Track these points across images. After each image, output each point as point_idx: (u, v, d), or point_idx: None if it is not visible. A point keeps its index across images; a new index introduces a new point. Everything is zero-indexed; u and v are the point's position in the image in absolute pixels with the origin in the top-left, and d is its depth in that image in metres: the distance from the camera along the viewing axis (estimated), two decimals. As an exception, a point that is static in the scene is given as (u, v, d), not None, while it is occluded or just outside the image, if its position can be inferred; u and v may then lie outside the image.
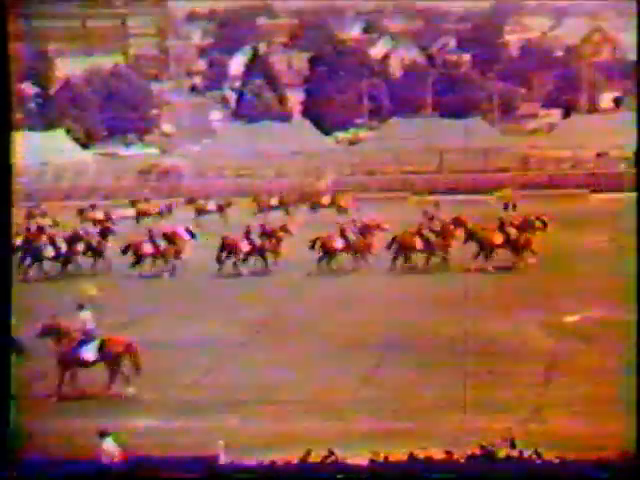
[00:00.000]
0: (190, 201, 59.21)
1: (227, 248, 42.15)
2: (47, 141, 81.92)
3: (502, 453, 13.92)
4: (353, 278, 40.80)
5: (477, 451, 13.97)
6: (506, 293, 36.62)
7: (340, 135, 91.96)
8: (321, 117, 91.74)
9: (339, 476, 13.71)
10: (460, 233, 42.00)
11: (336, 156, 76.38)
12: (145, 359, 26.31)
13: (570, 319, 32.22)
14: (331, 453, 14.05)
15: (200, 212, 56.92)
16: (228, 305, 36.04)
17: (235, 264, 42.08)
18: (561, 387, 25.38)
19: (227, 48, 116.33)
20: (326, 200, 59.33)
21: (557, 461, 13.55)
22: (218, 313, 34.56)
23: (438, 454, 14.26)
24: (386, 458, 14.05)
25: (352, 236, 42.49)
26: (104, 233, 46.01)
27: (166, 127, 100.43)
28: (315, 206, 59.14)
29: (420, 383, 25.97)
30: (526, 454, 13.77)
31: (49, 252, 43.41)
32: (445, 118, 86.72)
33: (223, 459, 19.63)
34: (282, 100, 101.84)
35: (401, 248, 41.33)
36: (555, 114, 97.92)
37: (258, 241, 42.58)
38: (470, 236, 41.26)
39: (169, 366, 28.14)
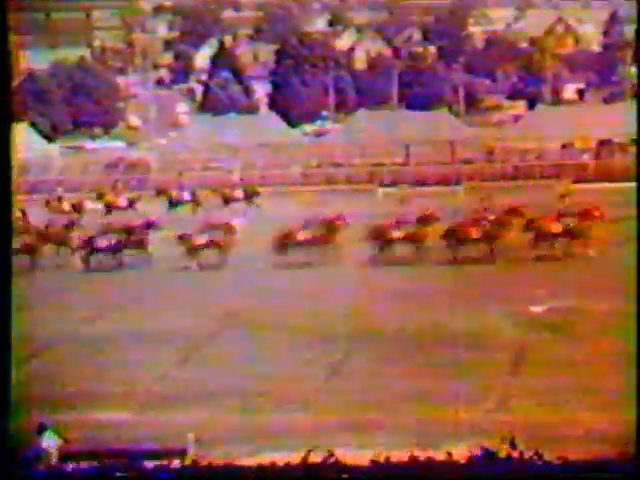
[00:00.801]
0: (160, 192, 59.01)
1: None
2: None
3: (502, 453, 14.08)
4: (322, 270, 40.84)
5: (477, 451, 14.14)
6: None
7: (307, 127, 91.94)
8: (287, 109, 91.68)
9: (339, 476, 13.82)
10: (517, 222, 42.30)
11: (303, 148, 76.34)
12: (114, 352, 26.37)
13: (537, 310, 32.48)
14: (331, 453, 14.17)
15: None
16: (196, 298, 36.07)
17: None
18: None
19: (193, 41, 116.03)
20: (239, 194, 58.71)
21: (557, 461, 13.73)
22: (186, 306, 34.59)
23: (438, 454, 14.41)
24: (386, 458, 14.20)
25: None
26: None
27: (132, 120, 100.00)
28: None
29: (388, 374, 26.11)
30: (527, 454, 13.96)
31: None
32: (411, 110, 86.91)
33: (192, 452, 19.73)
34: (248, 93, 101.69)
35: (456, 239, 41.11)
36: (520, 106, 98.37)
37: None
38: (528, 226, 41.52)
39: (138, 359, 28.15)
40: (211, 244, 42.19)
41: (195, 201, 56.86)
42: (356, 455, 15.10)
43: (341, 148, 74.71)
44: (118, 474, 14.20)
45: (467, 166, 68.49)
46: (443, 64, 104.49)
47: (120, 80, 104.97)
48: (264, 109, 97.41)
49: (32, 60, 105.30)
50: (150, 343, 29.64)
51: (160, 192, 58.97)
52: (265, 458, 20.25)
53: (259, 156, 72.23)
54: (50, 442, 18.98)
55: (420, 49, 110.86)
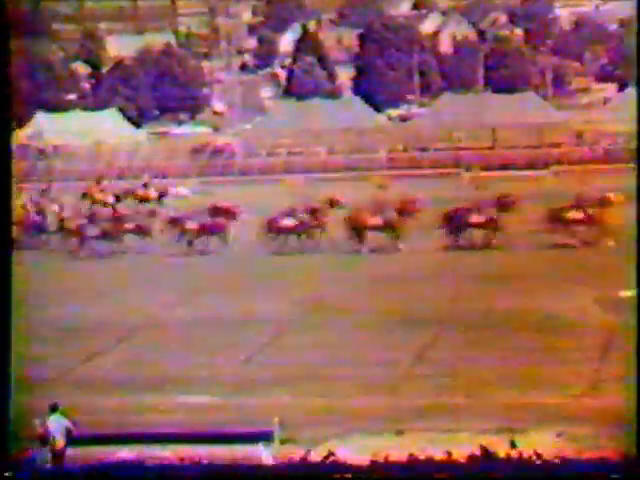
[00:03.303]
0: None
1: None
2: (99, 121, 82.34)
3: (502, 453, 13.85)
4: (403, 255, 40.54)
5: (478, 451, 13.92)
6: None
7: (391, 112, 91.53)
8: (372, 94, 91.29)
9: (339, 476, 13.66)
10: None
11: (387, 133, 76.03)
12: (198, 336, 26.39)
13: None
14: (331, 453, 14.02)
15: None
16: (277, 283, 36.05)
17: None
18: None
19: (277, 26, 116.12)
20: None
21: (557, 461, 13.49)
22: (268, 290, 34.60)
23: (438, 454, 14.19)
24: (386, 458, 13.99)
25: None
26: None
27: (217, 105, 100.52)
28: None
29: (474, 359, 25.80)
30: (526, 454, 13.70)
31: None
32: (497, 93, 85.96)
33: (277, 436, 19.67)
34: (332, 77, 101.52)
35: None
36: (609, 88, 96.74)
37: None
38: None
39: (221, 343, 28.19)
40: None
41: None
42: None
43: (426, 132, 74.25)
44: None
45: (555, 150, 67.58)
46: (530, 47, 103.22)
47: (205, 65, 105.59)
48: (348, 94, 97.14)
49: (119, 47, 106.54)
50: (232, 328, 29.67)
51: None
52: (349, 441, 20.28)
53: (343, 141, 72.11)
54: (58, 424, 18.76)
55: (506, 32, 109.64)
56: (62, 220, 45.14)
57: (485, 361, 25.46)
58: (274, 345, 28.29)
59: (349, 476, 13.63)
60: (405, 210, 42.73)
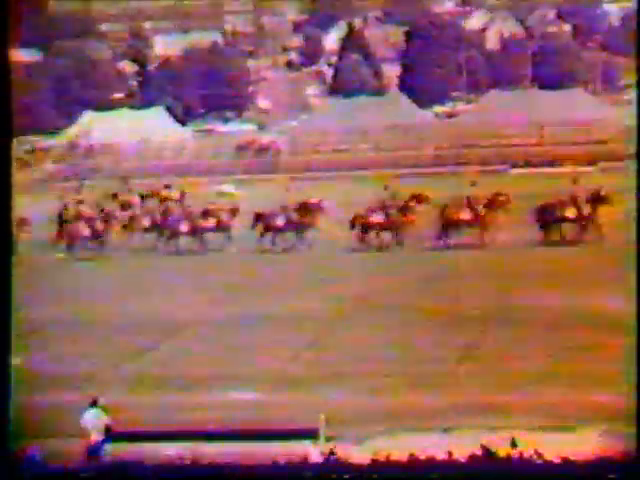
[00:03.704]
0: None
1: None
2: (146, 119, 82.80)
3: (502, 453, 13.75)
4: (447, 252, 40.37)
5: (479, 451, 13.82)
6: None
7: (437, 108, 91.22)
8: (418, 91, 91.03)
9: (339, 476, 13.60)
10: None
11: (434, 129, 75.78)
12: (246, 334, 26.38)
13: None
14: (332, 453, 13.95)
15: None
16: (324, 280, 36.01)
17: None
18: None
19: (322, 23, 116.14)
20: None
21: (557, 461, 13.38)
22: (315, 288, 34.57)
23: (438, 454, 14.09)
24: (387, 458, 13.92)
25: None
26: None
27: (263, 103, 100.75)
28: None
29: (521, 356, 25.63)
30: (526, 454, 13.59)
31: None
32: (545, 90, 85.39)
33: (323, 433, 19.64)
34: (378, 74, 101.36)
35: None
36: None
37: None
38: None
39: (267, 341, 28.20)
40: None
41: None
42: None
43: (473, 129, 73.91)
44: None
45: (603, 146, 67.01)
46: (578, 43, 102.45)
47: (250, 64, 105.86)
48: (394, 91, 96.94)
49: (166, 46, 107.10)
50: (279, 325, 29.67)
51: None
52: (395, 438, 20.21)
53: (389, 138, 71.96)
54: (96, 419, 18.66)
55: (554, 28, 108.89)
56: (133, 218, 45.12)
57: (532, 358, 25.29)
58: (321, 342, 28.27)
59: (349, 476, 13.58)
60: (494, 205, 41.99)
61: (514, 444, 13.94)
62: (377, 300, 32.75)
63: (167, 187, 54.95)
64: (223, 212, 43.52)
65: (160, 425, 20.60)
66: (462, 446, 18.04)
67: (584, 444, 17.81)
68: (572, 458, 13.72)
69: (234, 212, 43.70)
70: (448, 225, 41.11)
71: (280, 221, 42.21)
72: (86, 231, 43.62)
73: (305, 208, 42.70)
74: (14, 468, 14.36)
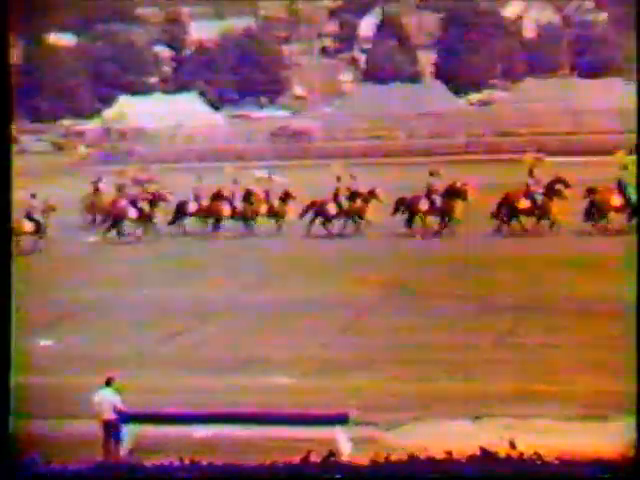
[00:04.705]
0: None
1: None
2: (180, 103, 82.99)
3: (502, 453, 13.67)
4: (482, 239, 40.09)
5: (478, 451, 13.75)
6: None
7: (472, 96, 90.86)
8: (453, 78, 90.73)
9: (339, 476, 13.56)
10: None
11: (467, 117, 75.46)
12: (279, 319, 26.31)
13: None
14: (331, 453, 13.93)
15: None
16: (358, 266, 35.93)
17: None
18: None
19: (357, 9, 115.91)
20: None
21: (557, 461, 13.29)
22: (349, 273, 34.49)
23: (438, 454, 14.02)
24: (386, 458, 13.86)
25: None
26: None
27: (297, 89, 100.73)
28: None
29: (554, 345, 25.49)
30: (526, 454, 13.50)
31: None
32: (582, 78, 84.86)
33: (354, 418, 19.63)
34: (413, 61, 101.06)
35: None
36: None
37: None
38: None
39: (301, 326, 28.19)
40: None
41: None
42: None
43: (508, 117, 73.57)
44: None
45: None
46: (615, 31, 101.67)
47: (285, 49, 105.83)
48: (429, 78, 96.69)
49: (201, 31, 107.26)
50: (312, 311, 29.64)
51: None
52: (426, 425, 20.18)
53: (423, 125, 71.76)
54: (107, 398, 18.92)
55: (591, 16, 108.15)
56: (183, 204, 44.36)
57: (565, 347, 25.14)
58: (354, 328, 28.22)
59: (349, 476, 13.57)
60: (553, 192, 41.12)
61: (513, 444, 13.88)
62: (409, 286, 32.63)
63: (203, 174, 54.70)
64: (274, 198, 43.24)
65: (193, 407, 20.64)
66: (492, 434, 18.02)
67: (616, 434, 17.67)
68: (572, 458, 13.66)
69: (285, 197, 43.11)
70: (510, 213, 40.43)
71: (332, 209, 41.96)
72: (133, 212, 43.36)
73: (358, 195, 42.27)
74: (14, 470, 14.45)
